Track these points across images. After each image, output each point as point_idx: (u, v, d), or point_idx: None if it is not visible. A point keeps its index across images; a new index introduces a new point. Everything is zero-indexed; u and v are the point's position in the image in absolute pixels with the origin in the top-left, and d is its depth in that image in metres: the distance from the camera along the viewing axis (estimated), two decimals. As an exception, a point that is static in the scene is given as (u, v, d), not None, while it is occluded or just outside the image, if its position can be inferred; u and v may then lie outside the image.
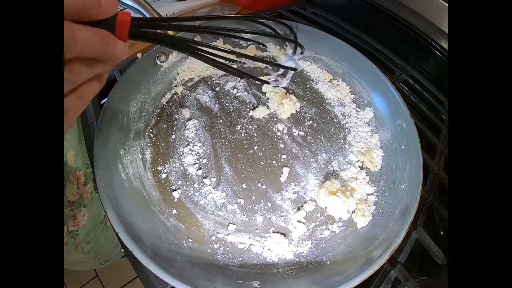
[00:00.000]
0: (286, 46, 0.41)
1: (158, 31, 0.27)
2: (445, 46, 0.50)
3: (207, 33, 0.43)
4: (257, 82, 0.40)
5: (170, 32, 0.37)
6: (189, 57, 0.46)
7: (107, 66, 0.20)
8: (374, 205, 0.36)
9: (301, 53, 0.39)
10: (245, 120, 0.41)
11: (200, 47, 0.26)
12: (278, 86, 0.41)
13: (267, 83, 0.37)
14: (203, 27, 0.37)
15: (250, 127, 0.41)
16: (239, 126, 0.41)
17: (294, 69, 0.37)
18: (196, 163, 0.37)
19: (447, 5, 0.45)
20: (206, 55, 0.26)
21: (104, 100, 0.38)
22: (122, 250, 0.30)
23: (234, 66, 0.31)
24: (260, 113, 0.42)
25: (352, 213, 0.35)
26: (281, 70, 0.40)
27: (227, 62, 0.28)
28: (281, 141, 0.40)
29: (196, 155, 0.38)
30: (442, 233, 0.38)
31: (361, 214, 0.35)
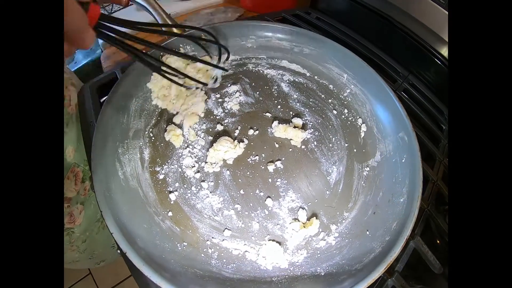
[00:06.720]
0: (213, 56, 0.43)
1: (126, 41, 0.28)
2: (446, 55, 0.49)
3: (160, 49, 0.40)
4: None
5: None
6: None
7: (70, 49, 0.21)
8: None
9: (227, 58, 0.42)
10: (247, 124, 0.41)
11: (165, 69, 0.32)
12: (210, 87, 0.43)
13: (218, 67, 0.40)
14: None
15: (251, 133, 0.40)
16: (239, 131, 0.40)
17: (223, 68, 0.41)
18: (195, 166, 0.37)
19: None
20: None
21: (104, 99, 0.38)
22: (118, 251, 0.30)
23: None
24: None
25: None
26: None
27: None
28: (282, 148, 0.40)
29: (195, 158, 0.37)
30: (438, 242, 0.38)
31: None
